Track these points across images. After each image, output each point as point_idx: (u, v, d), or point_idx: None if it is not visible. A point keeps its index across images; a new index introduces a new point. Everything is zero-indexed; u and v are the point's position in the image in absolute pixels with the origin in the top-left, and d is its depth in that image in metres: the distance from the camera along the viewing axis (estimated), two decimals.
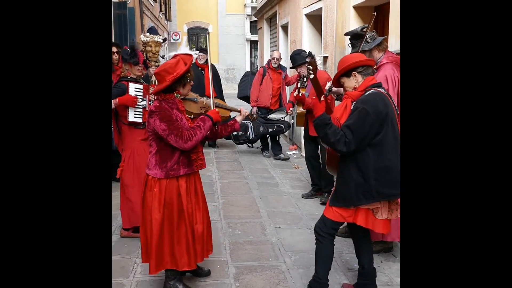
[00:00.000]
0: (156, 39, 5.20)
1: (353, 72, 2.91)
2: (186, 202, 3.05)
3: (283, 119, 7.72)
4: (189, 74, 2.99)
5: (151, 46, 5.14)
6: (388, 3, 4.56)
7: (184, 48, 3.10)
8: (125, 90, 4.02)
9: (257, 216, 4.92)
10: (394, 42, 4.30)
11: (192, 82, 3.10)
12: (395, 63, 3.69)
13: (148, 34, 5.55)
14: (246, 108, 9.48)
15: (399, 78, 3.63)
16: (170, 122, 2.88)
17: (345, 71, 2.93)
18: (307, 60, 3.05)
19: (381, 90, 2.89)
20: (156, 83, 3.24)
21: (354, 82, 2.93)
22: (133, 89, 4.08)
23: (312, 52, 4.85)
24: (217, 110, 3.20)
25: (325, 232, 3.00)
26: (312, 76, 2.96)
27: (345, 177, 2.89)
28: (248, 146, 8.43)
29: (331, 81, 4.03)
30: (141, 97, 4.11)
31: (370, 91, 2.85)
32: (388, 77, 3.57)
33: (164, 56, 6.43)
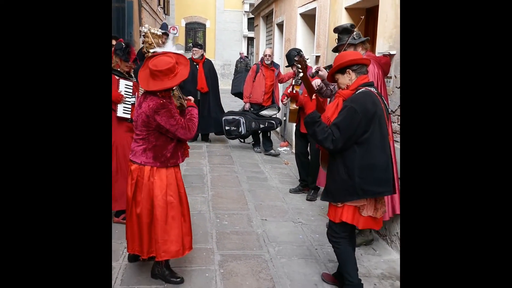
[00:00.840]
0: (153, 31, 5.36)
1: (348, 70, 2.95)
2: (182, 186, 3.30)
3: (275, 116, 7.87)
4: None
5: (148, 37, 5.31)
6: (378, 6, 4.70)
7: (171, 47, 3.24)
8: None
9: (245, 208, 5.07)
10: (382, 43, 4.45)
11: None
12: (375, 60, 4.00)
13: (146, 25, 5.73)
14: (239, 104, 9.58)
15: (379, 75, 3.88)
16: (177, 117, 3.07)
17: (340, 68, 2.97)
18: (296, 59, 3.13)
19: (372, 89, 2.94)
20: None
21: (347, 79, 2.97)
22: (124, 85, 4.25)
23: (303, 51, 4.98)
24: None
25: (336, 237, 3.08)
26: (301, 74, 3.04)
27: (333, 174, 2.97)
28: (240, 141, 8.57)
29: (317, 66, 4.20)
30: (131, 93, 4.27)
31: (360, 90, 2.90)
32: (369, 72, 3.77)
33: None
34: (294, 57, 2.97)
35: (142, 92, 3.27)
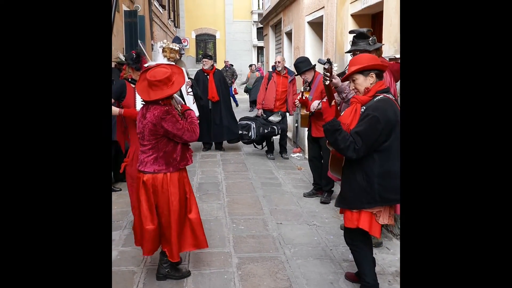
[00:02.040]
0: (171, 46, 5.62)
1: (371, 73, 2.91)
2: (189, 189, 3.50)
3: (278, 122, 8.06)
4: None
5: (166, 52, 5.57)
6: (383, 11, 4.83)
7: (162, 59, 3.44)
8: (123, 86, 4.30)
9: (260, 213, 5.20)
10: (387, 48, 4.57)
11: None
12: (388, 68, 3.98)
13: (165, 40, 5.98)
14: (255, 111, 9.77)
15: (391, 82, 3.94)
16: (181, 121, 3.28)
17: (365, 69, 2.91)
18: (325, 67, 3.09)
19: (390, 96, 2.92)
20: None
21: (368, 82, 2.91)
22: (140, 99, 4.41)
23: (310, 58, 5.10)
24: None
25: (354, 240, 3.11)
26: (327, 82, 3.01)
27: (350, 180, 2.97)
28: (255, 147, 8.73)
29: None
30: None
31: (379, 97, 2.88)
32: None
33: (181, 60, 6.93)
34: (323, 64, 3.03)
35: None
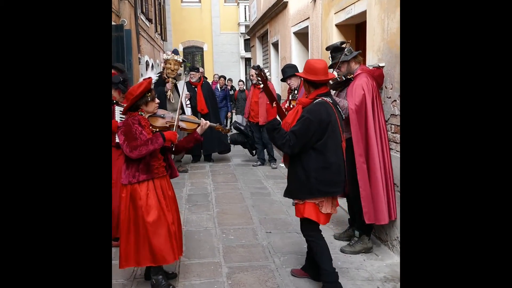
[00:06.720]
0: (176, 58, 5.68)
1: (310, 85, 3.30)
2: (155, 203, 3.35)
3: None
4: (149, 94, 3.38)
5: (170, 64, 5.62)
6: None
7: (150, 73, 3.52)
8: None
9: (250, 223, 5.22)
10: (371, 57, 4.65)
11: (157, 101, 3.49)
12: (369, 73, 4.19)
13: (169, 52, 6.05)
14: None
15: (374, 86, 4.05)
16: (127, 134, 3.27)
17: (310, 81, 3.27)
18: (256, 73, 3.43)
19: (328, 99, 3.27)
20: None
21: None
22: (118, 111, 4.49)
23: (298, 67, 5.18)
24: (175, 131, 3.49)
25: (309, 231, 3.38)
26: (262, 85, 3.38)
27: (292, 174, 3.33)
28: (251, 153, 8.90)
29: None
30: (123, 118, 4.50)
31: (317, 100, 3.23)
32: (364, 84, 4.02)
33: (180, 74, 7.06)
34: (255, 69, 3.37)
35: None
